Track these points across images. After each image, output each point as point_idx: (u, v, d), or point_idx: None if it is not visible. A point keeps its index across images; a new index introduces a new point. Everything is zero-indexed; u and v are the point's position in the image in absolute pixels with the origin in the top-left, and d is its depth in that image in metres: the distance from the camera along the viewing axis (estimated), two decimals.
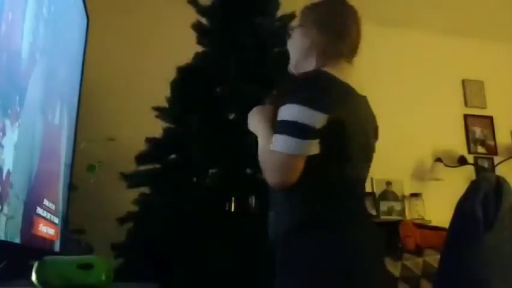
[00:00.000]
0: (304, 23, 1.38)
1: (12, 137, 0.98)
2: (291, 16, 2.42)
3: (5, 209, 0.94)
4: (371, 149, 1.43)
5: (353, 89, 1.35)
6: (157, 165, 2.26)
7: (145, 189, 2.25)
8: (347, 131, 1.25)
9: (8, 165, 0.95)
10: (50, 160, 1.41)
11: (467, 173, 3.67)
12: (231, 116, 2.27)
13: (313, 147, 1.18)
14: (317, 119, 1.18)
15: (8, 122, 0.94)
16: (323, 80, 1.28)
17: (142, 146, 2.26)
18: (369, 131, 1.40)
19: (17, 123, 1.01)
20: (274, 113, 1.25)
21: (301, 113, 1.17)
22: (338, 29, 1.35)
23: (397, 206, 3.54)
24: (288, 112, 1.19)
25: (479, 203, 1.16)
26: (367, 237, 1.25)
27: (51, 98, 1.38)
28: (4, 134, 0.92)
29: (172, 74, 2.32)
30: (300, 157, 1.17)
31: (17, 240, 1.05)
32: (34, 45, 1.15)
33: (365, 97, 1.42)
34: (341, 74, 1.33)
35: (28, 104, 1.10)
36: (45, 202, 1.31)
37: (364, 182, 1.41)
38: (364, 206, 1.43)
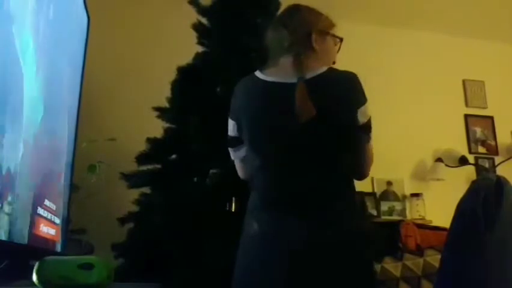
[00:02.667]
0: None
1: (12, 135, 0.98)
2: None
3: (6, 208, 0.94)
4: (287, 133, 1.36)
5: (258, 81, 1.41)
6: (158, 165, 2.26)
7: (146, 189, 2.25)
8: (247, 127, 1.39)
9: (7, 164, 0.95)
10: (51, 160, 1.41)
11: (468, 173, 3.66)
12: None
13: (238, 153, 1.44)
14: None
15: (8, 121, 0.94)
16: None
17: (142, 146, 2.26)
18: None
19: (17, 122, 1.01)
20: None
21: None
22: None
23: (398, 206, 3.54)
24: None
25: (479, 203, 1.15)
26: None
27: (53, 99, 1.38)
28: (4, 133, 0.92)
29: (172, 74, 2.32)
30: (236, 161, 1.48)
31: (18, 241, 1.05)
32: (34, 43, 1.15)
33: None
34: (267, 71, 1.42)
35: (30, 104, 1.10)
36: (46, 202, 1.31)
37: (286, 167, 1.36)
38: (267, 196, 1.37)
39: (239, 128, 1.40)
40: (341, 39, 1.53)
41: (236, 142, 1.42)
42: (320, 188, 1.31)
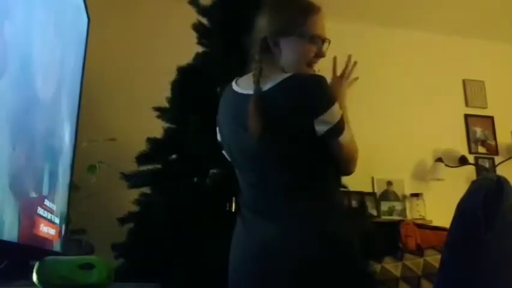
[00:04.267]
0: None
1: (11, 135, 0.98)
2: None
3: (5, 208, 0.94)
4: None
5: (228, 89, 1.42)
6: (158, 165, 2.26)
7: (146, 189, 2.25)
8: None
9: (7, 163, 0.95)
10: (52, 160, 1.41)
11: (468, 173, 3.67)
12: None
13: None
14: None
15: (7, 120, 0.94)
16: None
17: (142, 146, 2.26)
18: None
19: (17, 122, 1.01)
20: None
21: None
22: None
23: (398, 206, 3.54)
24: None
25: (480, 203, 1.15)
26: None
27: (53, 98, 1.38)
28: (3, 132, 0.92)
29: (172, 74, 2.32)
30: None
31: (18, 241, 1.05)
32: (33, 43, 1.15)
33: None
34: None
35: (31, 104, 1.10)
36: (46, 202, 1.31)
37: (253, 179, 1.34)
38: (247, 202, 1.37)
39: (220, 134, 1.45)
40: (316, 36, 1.42)
41: (222, 146, 1.47)
42: (280, 192, 1.30)
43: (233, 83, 1.41)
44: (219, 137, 1.47)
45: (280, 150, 1.27)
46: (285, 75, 1.26)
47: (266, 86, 1.26)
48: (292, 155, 1.27)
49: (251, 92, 1.27)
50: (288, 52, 1.33)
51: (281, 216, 1.27)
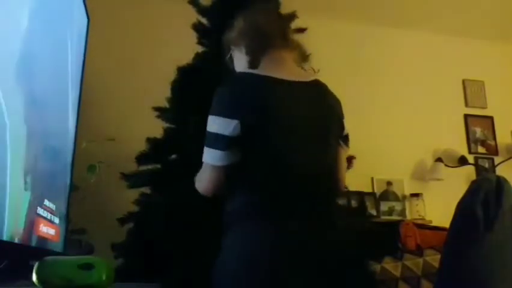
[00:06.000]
0: None
1: (12, 135, 0.98)
2: (292, 16, 2.42)
3: (4, 208, 0.94)
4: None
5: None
6: (158, 165, 2.26)
7: (146, 189, 2.25)
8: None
9: (6, 163, 0.95)
10: (51, 160, 1.41)
11: (468, 173, 3.67)
12: None
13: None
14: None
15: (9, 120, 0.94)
16: None
17: (142, 146, 2.26)
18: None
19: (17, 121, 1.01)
20: None
21: None
22: None
23: (398, 206, 3.54)
24: None
25: (479, 203, 1.16)
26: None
27: (53, 98, 1.38)
28: (4, 129, 0.92)
29: (172, 74, 2.32)
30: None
31: (18, 241, 1.05)
32: (33, 42, 1.15)
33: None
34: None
35: (31, 103, 1.10)
36: (46, 202, 1.31)
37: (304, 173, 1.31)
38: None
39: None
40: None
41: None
42: None
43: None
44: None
45: None
46: None
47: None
48: None
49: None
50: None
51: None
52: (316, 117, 1.34)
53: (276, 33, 1.41)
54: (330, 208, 1.35)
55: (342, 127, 1.44)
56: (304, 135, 1.31)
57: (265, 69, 1.33)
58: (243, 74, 1.37)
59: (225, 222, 1.32)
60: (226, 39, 1.51)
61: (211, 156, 1.28)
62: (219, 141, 1.25)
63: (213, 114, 1.29)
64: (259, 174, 1.27)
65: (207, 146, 1.29)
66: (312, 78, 1.41)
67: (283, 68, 1.36)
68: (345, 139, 1.46)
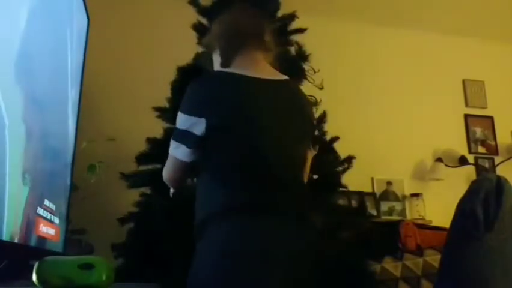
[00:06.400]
0: None
1: (11, 135, 0.98)
2: (292, 16, 2.42)
3: (4, 208, 0.94)
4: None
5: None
6: (158, 166, 2.26)
7: (146, 190, 2.25)
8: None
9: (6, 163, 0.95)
10: (51, 160, 1.41)
11: (468, 173, 3.67)
12: None
13: None
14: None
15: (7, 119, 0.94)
16: None
17: (142, 146, 2.26)
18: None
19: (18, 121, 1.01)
20: None
21: None
22: None
23: (398, 206, 3.54)
24: None
25: (479, 203, 1.16)
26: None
27: (53, 99, 1.38)
28: (3, 129, 0.92)
29: (172, 74, 2.32)
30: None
31: (18, 241, 1.05)
32: (33, 42, 1.15)
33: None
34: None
35: (31, 104, 1.10)
36: (46, 202, 1.31)
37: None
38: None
39: None
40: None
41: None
42: None
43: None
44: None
45: None
46: None
47: None
48: None
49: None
50: None
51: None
52: (286, 115, 1.33)
53: (249, 33, 1.41)
54: (304, 206, 1.34)
55: (313, 128, 1.44)
56: (275, 132, 1.30)
57: (237, 68, 1.34)
58: (214, 73, 1.40)
59: (199, 224, 1.30)
60: (204, 44, 1.56)
61: (177, 151, 1.31)
62: (187, 139, 1.27)
63: (182, 112, 1.29)
64: (230, 173, 1.26)
65: (174, 140, 1.31)
66: (284, 77, 1.40)
67: (255, 67, 1.35)
68: (314, 141, 1.45)
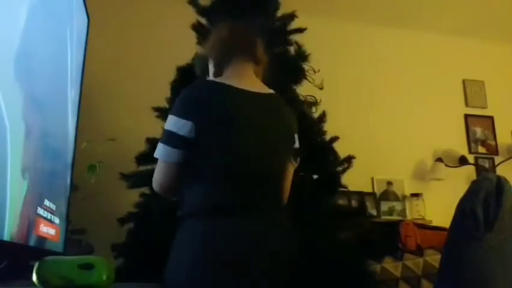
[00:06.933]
0: None
1: (12, 135, 0.98)
2: (291, 16, 2.42)
3: (4, 208, 0.94)
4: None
5: None
6: None
7: (146, 190, 2.25)
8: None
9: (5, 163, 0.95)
10: (51, 160, 1.41)
11: (468, 173, 3.67)
12: None
13: None
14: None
15: (7, 119, 0.94)
16: None
17: (142, 146, 2.26)
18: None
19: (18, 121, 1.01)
20: None
21: None
22: None
23: (398, 206, 3.54)
24: None
25: (479, 203, 1.15)
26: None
27: (53, 99, 1.38)
28: (4, 131, 0.92)
29: (172, 74, 2.32)
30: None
31: (18, 241, 1.05)
32: (33, 42, 1.15)
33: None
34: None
35: (31, 104, 1.10)
36: (46, 202, 1.31)
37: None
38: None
39: None
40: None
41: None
42: None
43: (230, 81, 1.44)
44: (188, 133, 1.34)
45: None
46: None
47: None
48: None
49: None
50: None
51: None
52: (269, 126, 1.40)
53: (240, 46, 1.50)
54: (278, 210, 1.41)
55: (293, 141, 1.49)
56: (257, 140, 1.37)
57: (226, 79, 1.42)
58: (205, 81, 1.50)
59: (178, 222, 1.35)
60: (201, 53, 1.63)
61: (162, 152, 1.35)
62: (172, 139, 1.32)
63: (171, 114, 1.37)
64: (211, 174, 1.32)
65: (161, 142, 1.36)
66: (269, 91, 1.48)
67: (243, 80, 1.43)
68: (295, 154, 1.51)
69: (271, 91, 1.48)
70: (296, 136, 1.50)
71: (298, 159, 1.54)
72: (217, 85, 1.39)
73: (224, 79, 1.43)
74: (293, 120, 1.51)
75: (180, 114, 1.33)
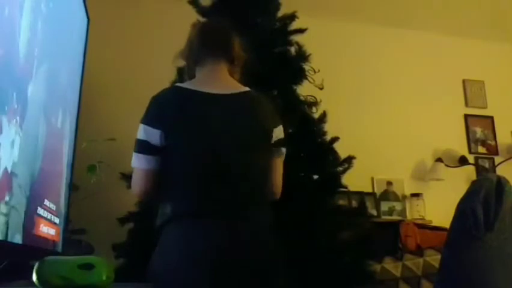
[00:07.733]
0: None
1: (9, 135, 0.98)
2: (291, 16, 2.43)
3: (3, 209, 0.94)
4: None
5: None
6: None
7: None
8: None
9: (5, 164, 0.95)
10: (51, 160, 1.41)
11: (468, 173, 3.67)
12: None
13: None
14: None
15: (5, 120, 0.94)
16: None
17: None
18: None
19: (14, 121, 1.01)
20: None
21: None
22: None
23: (398, 206, 3.54)
24: None
25: (479, 203, 1.15)
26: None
27: (53, 99, 1.38)
28: (1, 132, 0.92)
29: (172, 74, 2.32)
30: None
31: (18, 241, 1.05)
32: (32, 42, 1.15)
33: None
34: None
35: (30, 104, 1.10)
36: (46, 202, 1.31)
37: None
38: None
39: None
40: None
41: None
42: None
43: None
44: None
45: None
46: None
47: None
48: None
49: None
50: None
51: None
52: (239, 126, 1.40)
53: (210, 47, 1.51)
54: (257, 210, 1.40)
55: (270, 136, 1.47)
56: (226, 141, 1.37)
57: (195, 82, 1.46)
58: (174, 87, 1.51)
59: (159, 225, 1.39)
60: (180, 54, 1.66)
61: (137, 161, 1.40)
62: (144, 148, 1.38)
63: (141, 123, 1.42)
64: (183, 178, 1.36)
65: (134, 152, 1.41)
66: (243, 90, 1.47)
67: (213, 82, 1.45)
68: (278, 146, 1.49)
69: (246, 89, 1.47)
70: (277, 129, 1.48)
71: (284, 149, 1.52)
72: (183, 91, 1.42)
73: (192, 83, 1.46)
74: (270, 115, 1.49)
75: (149, 123, 1.39)
